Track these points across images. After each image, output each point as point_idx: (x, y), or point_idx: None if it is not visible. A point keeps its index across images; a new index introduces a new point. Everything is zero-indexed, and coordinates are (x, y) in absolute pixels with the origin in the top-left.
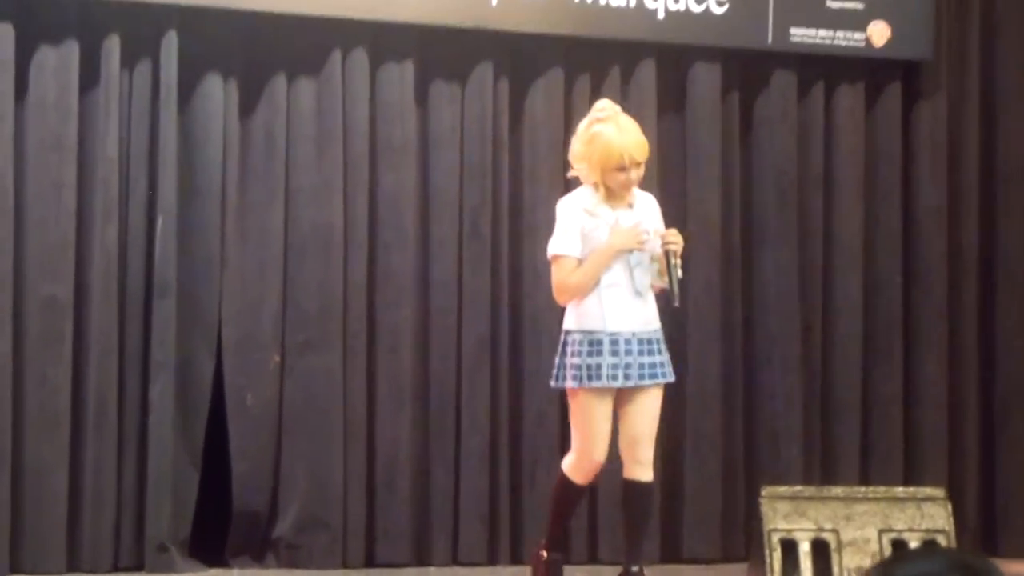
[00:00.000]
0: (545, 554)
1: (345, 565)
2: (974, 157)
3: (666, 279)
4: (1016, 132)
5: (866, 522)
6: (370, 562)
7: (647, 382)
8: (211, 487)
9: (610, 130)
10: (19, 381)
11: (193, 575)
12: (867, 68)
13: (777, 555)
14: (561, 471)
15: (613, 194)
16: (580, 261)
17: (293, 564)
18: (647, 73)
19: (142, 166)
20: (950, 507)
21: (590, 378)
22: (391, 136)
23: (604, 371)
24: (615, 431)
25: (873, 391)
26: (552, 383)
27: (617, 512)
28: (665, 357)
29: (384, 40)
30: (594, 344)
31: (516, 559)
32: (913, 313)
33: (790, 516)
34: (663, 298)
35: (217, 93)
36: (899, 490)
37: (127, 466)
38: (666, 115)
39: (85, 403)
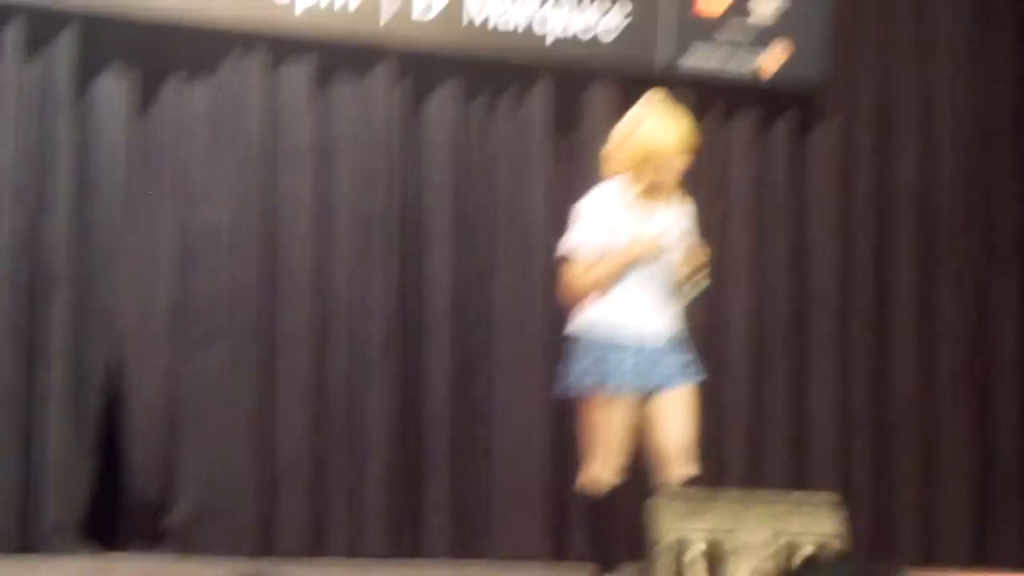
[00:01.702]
0: None
1: (240, 554)
2: (868, 181)
3: (684, 289)
4: (909, 155)
5: (761, 525)
6: (267, 551)
7: (667, 387)
8: (111, 474)
9: (653, 123)
10: None
11: (87, 557)
12: (759, 96)
13: (672, 555)
14: (579, 487)
15: (649, 190)
16: (595, 261)
17: (188, 551)
18: (542, 93)
19: (37, 159)
20: (843, 512)
21: (603, 384)
22: (288, 140)
23: (618, 377)
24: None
25: (763, 406)
26: (559, 390)
27: None
28: (687, 358)
29: (282, 45)
30: (606, 348)
31: (417, 553)
32: (806, 331)
33: (685, 517)
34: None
35: (113, 90)
36: (794, 494)
37: (21, 451)
38: (559, 136)
39: None
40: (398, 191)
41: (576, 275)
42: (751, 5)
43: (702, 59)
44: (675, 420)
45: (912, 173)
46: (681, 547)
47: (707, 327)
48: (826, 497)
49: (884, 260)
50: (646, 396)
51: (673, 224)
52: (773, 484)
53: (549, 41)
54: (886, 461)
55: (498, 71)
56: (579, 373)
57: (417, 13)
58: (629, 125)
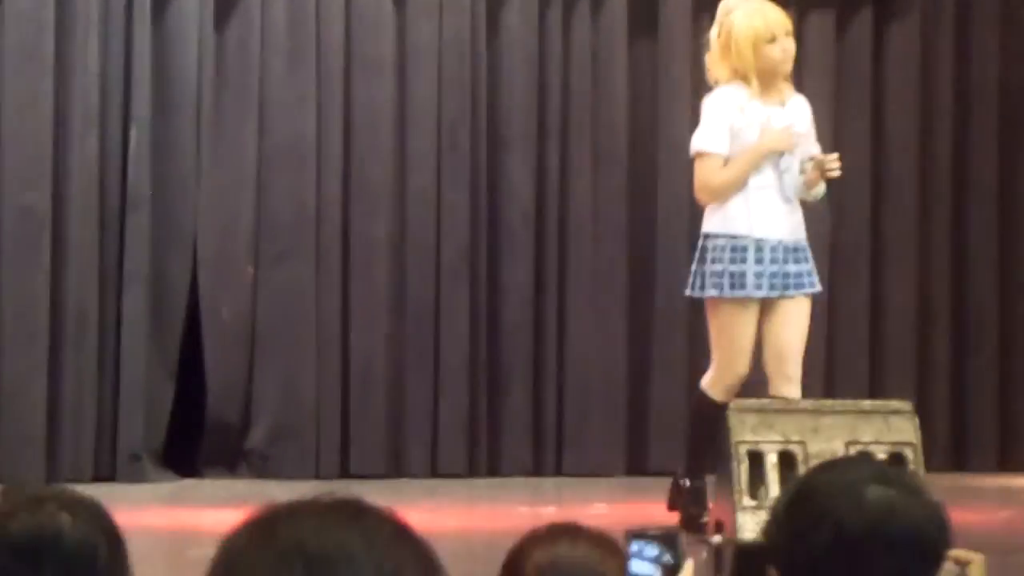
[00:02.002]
0: (688, 482)
1: (318, 476)
2: (947, 78)
3: (806, 192)
4: (990, 52)
5: (833, 435)
6: (344, 473)
7: (793, 292)
8: (186, 398)
9: (744, 11)
10: None
11: (166, 484)
12: None
13: (744, 467)
14: (700, 390)
15: (766, 88)
16: (727, 160)
17: (265, 474)
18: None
19: (117, 79)
20: (917, 420)
21: (733, 287)
22: (367, 50)
23: (749, 279)
24: (759, 344)
25: (840, 305)
26: (687, 291)
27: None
28: (812, 266)
29: None
30: (738, 250)
31: (494, 471)
32: (882, 230)
33: (757, 428)
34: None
35: (191, 6)
36: (866, 403)
37: (104, 377)
38: (637, 41)
39: (63, 314)
40: (477, 99)
41: (711, 172)
42: None
43: None
44: (795, 331)
45: (992, 68)
46: (754, 458)
47: None
48: (900, 405)
49: (963, 156)
50: (771, 302)
51: (797, 118)
52: (850, 390)
53: None
54: (963, 367)
55: None
56: (712, 274)
57: None
58: (724, 25)
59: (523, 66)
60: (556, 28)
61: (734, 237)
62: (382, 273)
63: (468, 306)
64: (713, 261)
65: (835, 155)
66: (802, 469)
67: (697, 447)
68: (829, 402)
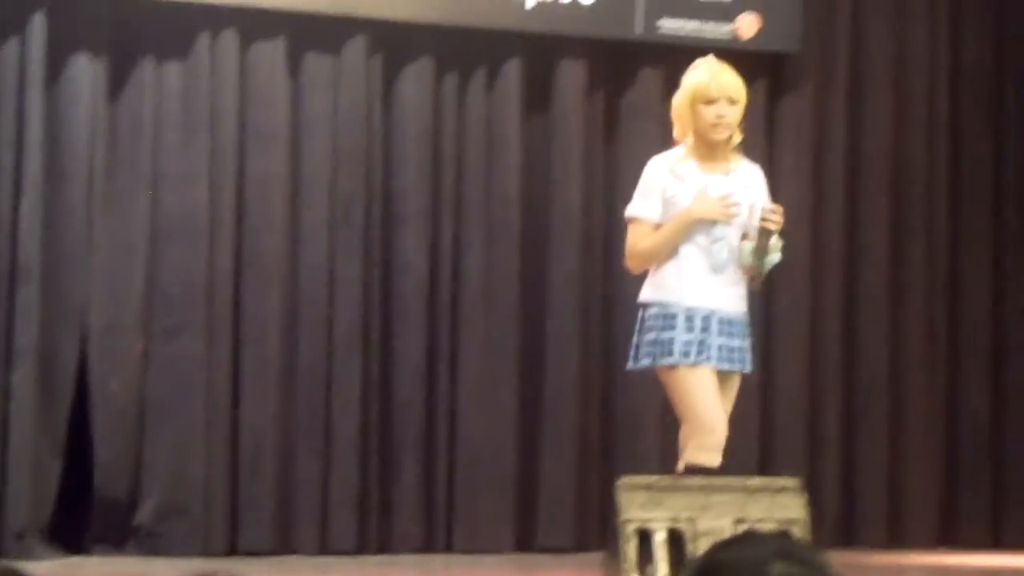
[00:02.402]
0: None
1: (207, 553)
2: (840, 148)
3: (755, 260)
4: (881, 122)
5: (722, 512)
6: (233, 550)
7: (724, 366)
8: (74, 474)
9: (700, 68)
10: None
11: (51, 562)
12: (733, 61)
13: (633, 544)
14: (688, 467)
15: (707, 152)
16: (658, 226)
17: (153, 551)
18: (513, 70)
19: (8, 147)
20: (804, 497)
21: (662, 355)
22: (261, 121)
23: (676, 347)
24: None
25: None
26: (629, 364)
27: None
28: (746, 343)
29: (254, 22)
30: (668, 318)
31: (384, 548)
32: (774, 304)
33: (646, 505)
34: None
35: (85, 75)
36: (754, 480)
37: None
38: (531, 114)
39: None
40: (372, 172)
41: (638, 237)
42: None
43: (679, 24)
44: (725, 406)
45: (885, 137)
46: (643, 535)
47: None
48: (787, 482)
49: (855, 227)
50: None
51: (742, 188)
52: (739, 466)
53: (529, 5)
54: (853, 444)
55: (474, 42)
56: (647, 343)
57: None
58: (682, 87)
59: (418, 139)
60: (451, 100)
61: (665, 305)
62: (273, 347)
63: (360, 380)
64: (647, 331)
65: (776, 206)
66: (691, 547)
67: None
68: (718, 480)
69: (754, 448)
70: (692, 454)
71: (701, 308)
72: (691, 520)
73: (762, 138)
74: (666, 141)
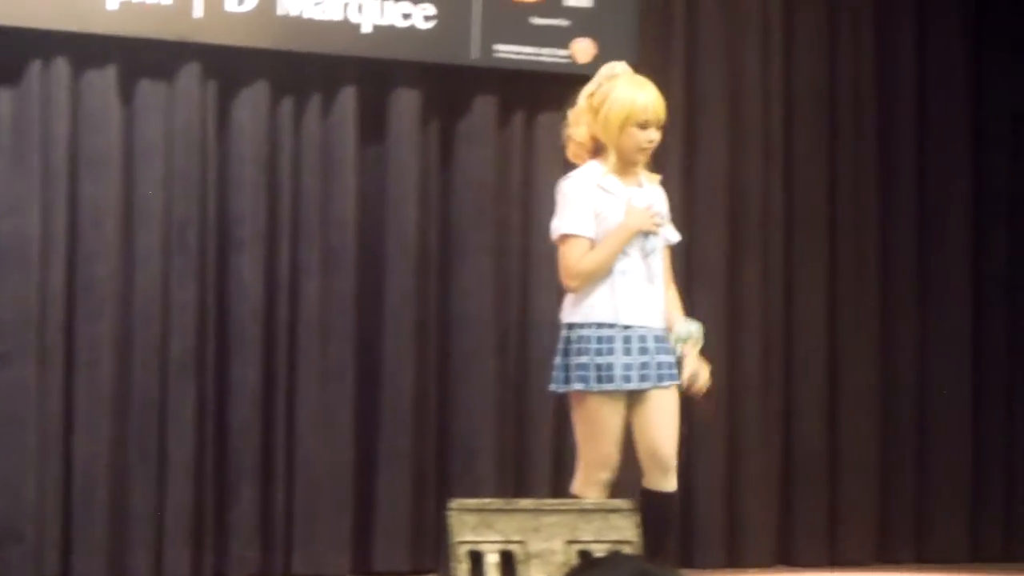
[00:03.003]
0: None
1: None
2: (676, 176)
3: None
4: (718, 151)
5: (553, 534)
6: (65, 575)
7: (666, 383)
8: None
9: (626, 85)
10: None
11: None
12: (570, 87)
13: (465, 567)
14: (571, 495)
15: (625, 168)
16: (593, 243)
17: None
18: (349, 96)
19: None
20: (637, 518)
21: (600, 380)
22: (93, 147)
23: (617, 372)
24: (629, 439)
25: (567, 404)
26: (552, 387)
27: None
28: (675, 358)
29: (86, 49)
30: (604, 341)
31: (220, 573)
32: None
33: (478, 528)
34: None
35: None
36: (587, 502)
37: None
38: (367, 139)
39: None
40: (206, 196)
41: (577, 256)
42: None
43: (515, 49)
44: (667, 423)
45: (721, 162)
46: (475, 558)
47: (517, 324)
48: (620, 503)
49: (692, 250)
50: (640, 394)
51: (656, 200)
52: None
53: (366, 29)
54: (690, 464)
55: (309, 67)
56: (578, 367)
57: (230, 5)
58: (603, 88)
59: (253, 163)
60: (287, 125)
61: (599, 326)
62: (106, 373)
63: (195, 405)
64: (579, 353)
65: (707, 385)
66: (522, 569)
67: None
68: (550, 501)
69: None
70: (580, 487)
71: (638, 328)
72: (522, 542)
73: None
74: (502, 165)
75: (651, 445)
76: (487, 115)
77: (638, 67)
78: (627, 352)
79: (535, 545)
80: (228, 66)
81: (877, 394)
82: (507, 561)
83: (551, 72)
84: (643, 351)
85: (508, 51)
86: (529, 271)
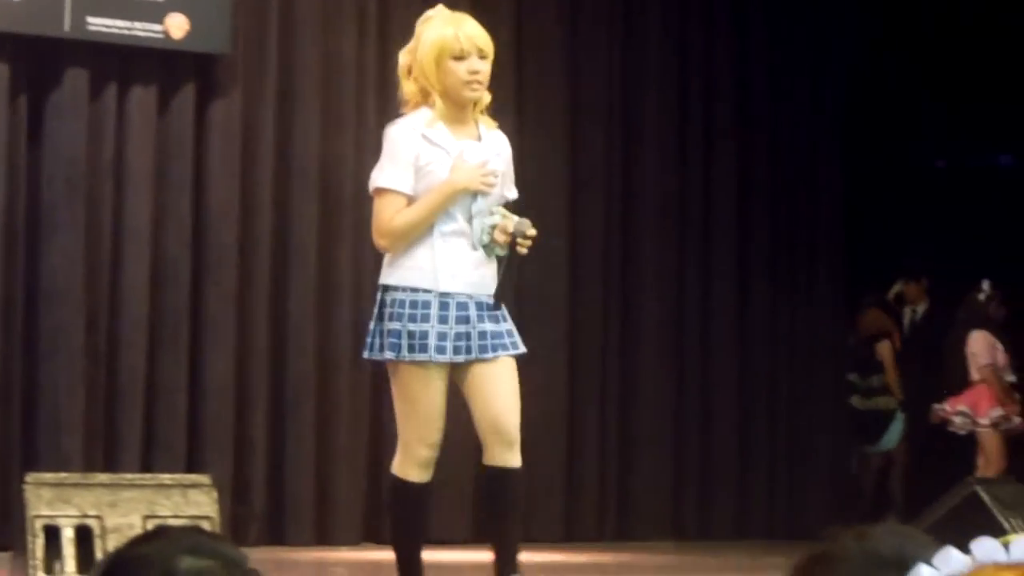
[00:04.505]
0: None
1: None
2: (269, 152)
3: (487, 251)
4: (311, 127)
5: (131, 509)
6: None
7: (490, 355)
8: None
9: (438, 22)
10: None
11: None
12: (163, 62)
13: (40, 542)
14: (391, 477)
15: (457, 116)
16: (410, 200)
17: None
18: None
19: None
20: (215, 494)
21: (412, 348)
22: None
23: (431, 341)
24: (467, 414)
25: (158, 381)
26: (365, 353)
27: None
28: (511, 325)
29: None
30: (419, 306)
31: None
32: (203, 304)
33: (53, 503)
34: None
35: None
36: (165, 477)
37: None
38: None
39: None
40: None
41: (390, 213)
42: None
43: (108, 22)
44: (505, 395)
45: (314, 140)
46: (51, 532)
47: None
48: (198, 478)
49: (286, 229)
50: (467, 366)
51: (494, 155)
52: (166, 463)
53: None
54: (280, 443)
55: None
56: (390, 332)
57: None
58: (416, 35)
59: None
60: None
61: (415, 291)
62: None
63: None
64: (391, 318)
65: (531, 231)
66: (99, 544)
67: (402, 549)
68: (128, 476)
69: (182, 448)
70: (399, 467)
71: (458, 295)
72: (99, 517)
73: (191, 139)
74: (94, 140)
75: (492, 419)
76: (79, 88)
77: (235, 43)
78: (443, 320)
79: (112, 520)
80: None
81: None
82: (85, 536)
83: (145, 46)
84: (463, 320)
85: (101, 24)
86: (121, 247)
